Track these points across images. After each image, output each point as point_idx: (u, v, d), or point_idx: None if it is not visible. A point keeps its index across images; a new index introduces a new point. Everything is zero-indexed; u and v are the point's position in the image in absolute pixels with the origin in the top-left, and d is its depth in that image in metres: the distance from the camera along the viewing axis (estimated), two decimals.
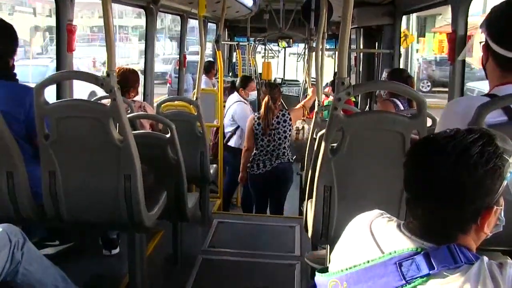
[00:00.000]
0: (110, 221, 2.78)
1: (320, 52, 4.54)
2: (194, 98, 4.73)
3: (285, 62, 14.94)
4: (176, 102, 5.59)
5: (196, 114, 4.60)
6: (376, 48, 7.04)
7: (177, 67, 6.77)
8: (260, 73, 10.54)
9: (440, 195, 1.24)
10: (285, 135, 4.99)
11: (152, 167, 3.17)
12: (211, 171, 4.75)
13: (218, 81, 6.29)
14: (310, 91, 5.75)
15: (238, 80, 6.19)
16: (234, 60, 12.36)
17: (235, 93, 6.07)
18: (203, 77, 8.62)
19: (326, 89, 7.46)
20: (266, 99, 4.94)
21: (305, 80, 8.76)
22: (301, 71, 14.38)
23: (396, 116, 2.41)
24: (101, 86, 2.54)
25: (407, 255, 1.25)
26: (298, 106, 5.51)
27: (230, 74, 12.08)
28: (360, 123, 2.40)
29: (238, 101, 5.96)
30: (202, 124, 4.56)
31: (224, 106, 6.26)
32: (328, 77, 10.26)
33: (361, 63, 7.88)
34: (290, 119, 5.01)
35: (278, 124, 5.00)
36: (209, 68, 8.72)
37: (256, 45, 10.78)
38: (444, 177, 1.23)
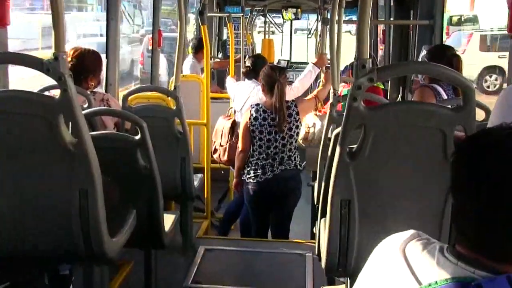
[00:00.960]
0: (60, 251, 2.77)
1: (337, 26, 4.54)
2: (173, 88, 4.73)
3: (292, 39, 14.97)
4: (148, 93, 5.60)
5: (175, 108, 4.60)
6: (411, 18, 7.04)
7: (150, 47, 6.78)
8: (259, 54, 10.54)
9: (497, 200, 1.24)
10: (291, 133, 4.98)
11: (117, 179, 3.16)
12: (195, 182, 4.75)
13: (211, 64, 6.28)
14: (323, 77, 5.75)
15: (252, 62, 6.14)
16: (224, 37, 12.39)
17: (254, 80, 6.02)
18: (190, 59, 8.62)
19: (345, 74, 7.46)
20: (277, 85, 4.94)
21: None
22: (312, 50, 14.40)
23: (436, 108, 2.41)
24: (46, 73, 2.54)
25: (452, 287, 1.25)
26: (309, 96, 5.51)
27: (220, 55, 12.09)
28: (387, 118, 2.40)
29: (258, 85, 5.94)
30: (183, 122, 4.57)
31: (212, 99, 6.25)
32: (347, 58, 10.25)
33: (391, 39, 7.88)
34: (298, 113, 5.01)
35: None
36: (198, 47, 8.72)
37: (254, 18, 10.81)
38: (501, 176, 1.23)
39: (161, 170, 3.60)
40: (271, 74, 4.99)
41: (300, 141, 5.68)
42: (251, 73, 5.91)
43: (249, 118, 5.01)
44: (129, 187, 3.39)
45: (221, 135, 5.91)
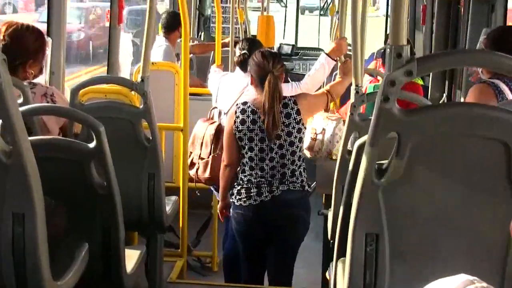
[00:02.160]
0: None
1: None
2: (139, 79, 4.73)
3: (298, 16, 14.99)
4: (105, 86, 5.59)
5: (141, 107, 4.60)
6: None
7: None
8: (254, 36, 10.52)
9: None
10: (291, 139, 4.96)
11: (63, 201, 3.17)
12: (168, 208, 4.75)
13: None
14: (341, 67, 5.73)
15: (249, 48, 6.04)
16: (208, 12, 12.41)
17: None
18: (163, 41, 8.52)
19: (371, 64, 7.48)
20: (269, 78, 4.91)
21: None
22: (326, 32, 14.39)
23: (500, 113, 2.41)
24: None
25: None
26: (320, 91, 5.48)
27: (202, 35, 12.09)
28: (430, 125, 2.41)
29: None
30: (153, 126, 4.57)
31: (192, 95, 6.25)
32: (374, 44, 10.27)
33: (434, 18, 7.90)
34: (298, 112, 4.99)
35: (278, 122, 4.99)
36: (172, 25, 8.64)
37: None
38: None
39: (123, 190, 3.60)
40: (262, 63, 5.00)
41: (305, 151, 5.65)
42: (247, 64, 5.83)
43: (234, 122, 5.02)
44: (80, 212, 3.39)
45: (201, 144, 5.89)
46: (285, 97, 5.01)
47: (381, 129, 2.42)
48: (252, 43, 6.17)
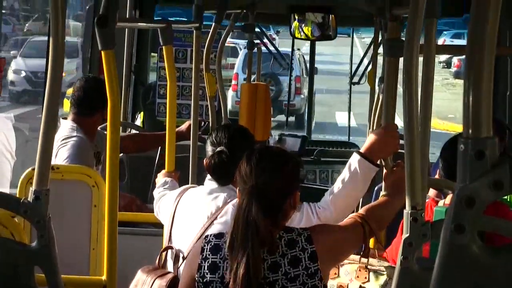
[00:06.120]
0: None
1: (427, 58, 4.68)
2: (31, 196, 4.81)
3: (313, 87, 15.11)
4: None
5: (34, 246, 4.66)
6: None
7: None
8: (234, 120, 10.59)
9: None
10: None
11: None
12: None
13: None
14: (386, 175, 5.81)
15: (229, 141, 6.04)
16: (151, 78, 12.64)
17: (231, 186, 5.90)
18: (70, 126, 8.61)
19: (436, 173, 7.61)
20: (242, 197, 5.02)
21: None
22: (362, 116, 14.54)
23: None
24: None
25: None
26: (348, 219, 5.52)
27: (141, 119, 12.27)
28: None
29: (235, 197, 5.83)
30: (55, 279, 4.62)
31: (124, 225, 6.35)
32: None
33: None
34: (314, 257, 5.08)
35: (274, 271, 5.07)
36: (91, 102, 8.67)
37: (226, 32, 10.99)
38: None
39: None
40: (244, 170, 5.13)
41: None
42: (227, 170, 5.98)
43: (198, 267, 5.09)
44: None
45: None
46: (292, 230, 5.12)
47: (453, 283, 2.50)
48: (236, 134, 6.30)
